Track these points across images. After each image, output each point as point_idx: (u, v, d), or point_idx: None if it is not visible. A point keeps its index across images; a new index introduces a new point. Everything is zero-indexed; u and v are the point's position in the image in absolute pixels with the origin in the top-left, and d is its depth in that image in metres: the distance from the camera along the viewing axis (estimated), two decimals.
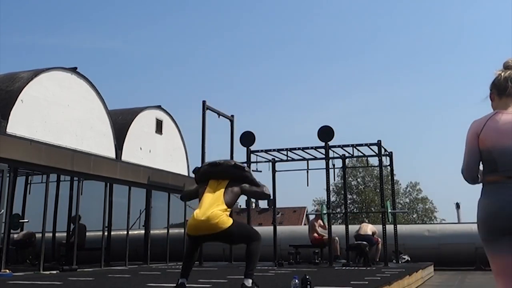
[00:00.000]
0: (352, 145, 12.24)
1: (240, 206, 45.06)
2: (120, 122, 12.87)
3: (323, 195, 40.00)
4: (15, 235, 11.68)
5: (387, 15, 68.51)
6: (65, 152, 10.35)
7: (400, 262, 12.57)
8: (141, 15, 69.97)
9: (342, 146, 12.36)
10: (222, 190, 4.90)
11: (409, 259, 13.12)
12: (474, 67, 70.39)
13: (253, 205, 47.79)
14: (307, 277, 5.15)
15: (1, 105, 9.57)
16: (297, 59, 70.14)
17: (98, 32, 72.05)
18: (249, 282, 4.68)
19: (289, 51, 71.37)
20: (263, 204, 49.51)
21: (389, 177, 13.68)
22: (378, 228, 11.98)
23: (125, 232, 12.15)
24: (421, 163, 67.36)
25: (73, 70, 11.24)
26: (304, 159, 12.87)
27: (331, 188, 12.03)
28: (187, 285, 4.80)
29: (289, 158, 12.92)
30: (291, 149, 12.61)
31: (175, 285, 4.78)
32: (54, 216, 11.79)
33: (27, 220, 11.48)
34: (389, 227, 12.01)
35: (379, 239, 11.71)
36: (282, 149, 12.68)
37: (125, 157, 12.44)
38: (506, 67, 2.65)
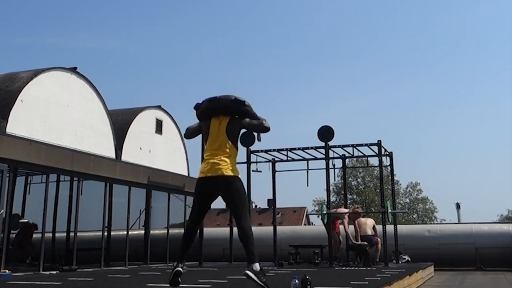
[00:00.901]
0: (352, 145, 12.23)
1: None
2: (120, 122, 12.87)
3: (323, 195, 40.03)
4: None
5: (388, 15, 68.55)
6: (65, 152, 10.34)
7: (400, 262, 12.56)
8: (141, 15, 70.01)
9: (342, 146, 12.35)
10: (225, 130, 4.84)
11: (409, 259, 13.11)
12: (475, 67, 70.44)
13: (253, 205, 47.80)
14: (307, 277, 5.14)
15: (1, 105, 9.56)
16: (297, 59, 70.18)
17: (98, 32, 72.08)
18: (256, 267, 4.39)
19: (289, 52, 71.40)
20: (263, 204, 49.51)
21: (389, 177, 13.67)
22: (378, 228, 11.96)
23: (125, 232, 12.14)
24: (421, 163, 67.44)
25: (73, 70, 11.23)
26: (304, 159, 12.86)
27: (331, 188, 12.02)
28: (187, 285, 4.76)
29: (289, 158, 12.91)
30: (291, 149, 12.60)
31: (171, 271, 4.60)
32: (54, 216, 11.78)
33: (26, 220, 11.46)
34: (389, 227, 12.00)
35: (379, 239, 11.70)
36: (282, 149, 12.68)
37: (125, 157, 12.44)
38: None
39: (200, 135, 5.21)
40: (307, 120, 66.61)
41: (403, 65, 71.27)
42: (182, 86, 75.30)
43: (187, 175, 14.97)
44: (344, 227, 11.57)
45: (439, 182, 69.87)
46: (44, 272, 9.31)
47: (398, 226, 12.88)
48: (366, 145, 11.98)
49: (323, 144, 11.88)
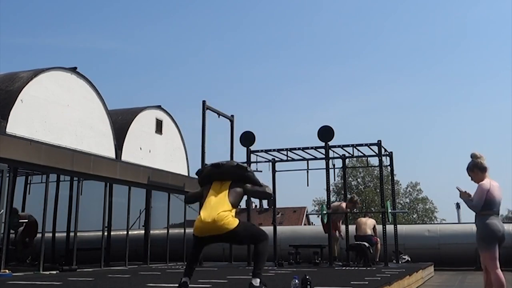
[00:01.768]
0: (352, 145, 12.22)
1: (240, 206, 45.09)
2: (120, 122, 12.87)
3: (323, 195, 40.03)
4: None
5: (388, 15, 68.55)
6: (65, 152, 10.34)
7: (400, 262, 12.56)
8: (141, 15, 70.01)
9: (342, 146, 12.35)
10: (226, 191, 4.90)
11: (409, 259, 13.10)
12: (475, 67, 70.44)
13: (253, 205, 47.78)
14: (307, 277, 5.14)
15: (1, 105, 9.56)
16: (297, 59, 70.18)
17: (98, 32, 72.08)
18: (257, 282, 4.68)
19: (290, 52, 71.40)
20: (263, 204, 49.51)
21: (389, 177, 13.67)
22: (378, 227, 11.96)
23: (125, 232, 12.15)
24: (421, 163, 67.45)
25: (73, 70, 11.23)
26: (304, 159, 12.86)
27: (331, 188, 12.02)
28: (189, 285, 4.80)
29: (289, 158, 12.90)
30: (291, 149, 12.60)
31: (177, 284, 4.78)
32: (54, 216, 11.78)
33: (27, 220, 11.46)
34: (389, 227, 11.99)
35: (378, 239, 11.70)
36: (282, 149, 12.67)
37: (125, 157, 12.44)
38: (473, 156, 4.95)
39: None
40: (307, 120, 66.66)
41: (403, 65, 71.32)
42: (182, 86, 75.35)
43: (187, 175, 14.97)
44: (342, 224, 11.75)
45: (439, 182, 69.90)
46: (44, 272, 9.31)
47: (398, 226, 12.87)
48: (366, 145, 11.98)
49: (323, 144, 11.88)
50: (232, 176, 5.03)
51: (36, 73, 10.23)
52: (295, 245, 12.60)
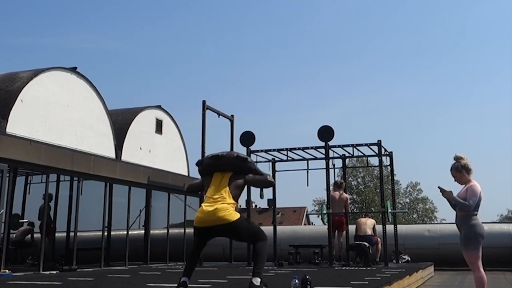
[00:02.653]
0: (352, 145, 12.22)
1: (240, 206, 45.13)
2: (120, 122, 12.86)
3: (323, 195, 39.95)
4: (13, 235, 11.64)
5: (388, 15, 68.55)
6: (65, 152, 10.34)
7: (400, 262, 12.55)
8: (141, 15, 70.01)
9: (342, 146, 12.34)
10: (227, 183, 4.90)
11: (409, 259, 13.10)
12: (475, 67, 70.46)
13: (253, 205, 47.77)
14: (307, 277, 5.14)
15: (1, 105, 9.56)
16: (297, 59, 70.19)
17: (98, 32, 72.09)
18: (257, 281, 4.66)
19: (290, 52, 71.41)
20: (263, 204, 49.44)
21: (389, 177, 13.66)
22: (378, 227, 11.96)
23: (125, 232, 12.15)
24: (421, 163, 67.44)
25: (73, 70, 11.23)
26: (304, 159, 12.85)
27: (331, 188, 12.01)
28: (188, 285, 4.80)
29: (289, 158, 12.90)
30: (291, 149, 12.59)
31: (176, 284, 4.77)
32: (54, 216, 11.78)
33: (26, 220, 11.46)
34: (389, 227, 11.99)
35: (379, 239, 11.70)
36: (282, 149, 12.67)
37: (125, 157, 12.43)
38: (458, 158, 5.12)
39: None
40: (307, 120, 66.66)
41: (403, 65, 71.33)
42: (182, 86, 75.36)
43: (187, 175, 14.97)
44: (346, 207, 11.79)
45: (439, 182, 69.79)
46: (44, 272, 9.31)
47: (398, 226, 12.87)
48: (366, 145, 11.97)
49: (323, 144, 11.87)
50: (232, 167, 4.99)
51: (36, 73, 10.23)
52: (295, 245, 12.60)
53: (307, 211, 47.71)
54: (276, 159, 13.22)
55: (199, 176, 5.28)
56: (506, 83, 71.70)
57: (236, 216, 4.75)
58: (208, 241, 5.02)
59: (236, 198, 4.88)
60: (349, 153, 13.01)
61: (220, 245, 14.64)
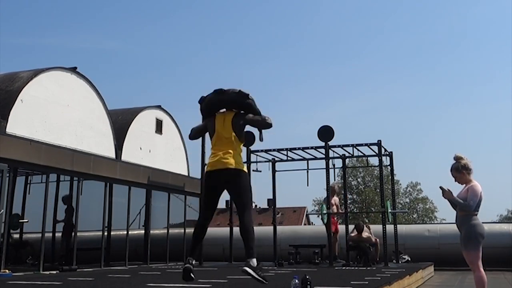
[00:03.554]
0: (352, 145, 12.22)
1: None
2: (120, 122, 12.86)
3: (323, 195, 39.91)
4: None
5: (388, 15, 68.55)
6: (65, 152, 10.34)
7: (400, 262, 12.56)
8: (141, 15, 70.00)
9: (342, 146, 12.34)
10: (231, 127, 4.89)
11: (409, 259, 13.10)
12: (475, 67, 70.46)
13: (253, 205, 47.73)
14: (307, 277, 5.14)
15: (1, 105, 9.55)
16: (297, 59, 70.18)
17: (98, 32, 72.08)
18: (254, 262, 4.49)
19: (290, 52, 71.40)
20: (263, 204, 49.49)
21: (389, 177, 13.66)
22: (377, 228, 11.95)
23: (125, 232, 12.14)
24: (421, 163, 67.44)
25: (73, 70, 11.23)
26: (304, 159, 12.86)
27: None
28: (187, 285, 4.77)
29: (289, 158, 12.90)
30: (291, 149, 12.59)
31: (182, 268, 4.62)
32: (54, 216, 11.76)
33: (26, 220, 11.45)
34: (389, 227, 12.00)
35: (377, 239, 11.72)
36: (282, 149, 12.67)
37: (125, 157, 12.43)
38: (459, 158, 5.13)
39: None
40: (307, 120, 66.66)
41: (403, 65, 71.33)
42: (182, 86, 75.35)
43: (187, 175, 14.97)
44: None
45: (439, 182, 69.77)
46: (44, 272, 9.32)
47: (398, 226, 12.87)
48: (366, 145, 11.97)
49: (323, 144, 11.88)
50: (234, 104, 4.95)
51: (36, 73, 10.23)
52: (295, 245, 12.60)
53: (307, 211, 47.68)
54: (276, 159, 13.22)
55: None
56: (506, 83, 71.73)
57: (244, 167, 4.85)
58: (217, 200, 4.91)
59: (241, 138, 4.95)
60: (349, 153, 13.01)
61: (220, 245, 14.67)
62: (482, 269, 4.80)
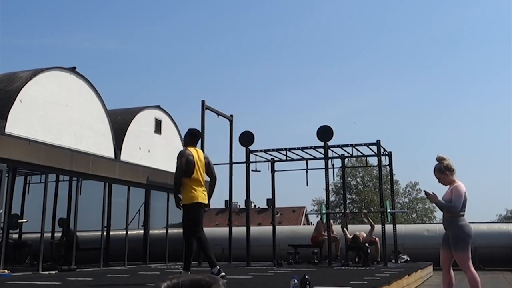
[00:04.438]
0: (351, 145, 12.23)
1: (239, 206, 45.17)
2: (119, 122, 12.85)
3: (322, 195, 40.00)
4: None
5: (387, 15, 68.56)
6: (64, 152, 10.33)
7: (399, 262, 12.56)
8: (140, 15, 69.98)
9: (341, 146, 12.35)
10: (204, 170, 6.41)
11: (408, 259, 13.11)
12: (474, 66, 70.50)
13: (253, 205, 47.77)
14: (306, 277, 5.14)
15: (0, 105, 9.54)
16: (296, 59, 70.19)
17: (98, 32, 72.06)
18: (215, 270, 5.77)
19: (289, 52, 71.41)
20: (262, 204, 49.51)
21: (389, 177, 13.68)
22: (377, 228, 11.95)
23: (124, 232, 12.13)
24: (421, 163, 67.47)
25: (72, 70, 11.21)
26: (303, 159, 12.86)
27: (330, 188, 12.04)
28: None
29: (288, 158, 12.91)
30: (290, 149, 12.60)
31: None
32: (53, 216, 11.75)
33: (26, 220, 11.44)
34: (388, 227, 12.00)
35: (377, 238, 11.71)
36: (281, 149, 12.67)
37: (124, 157, 12.42)
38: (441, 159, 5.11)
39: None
40: (306, 120, 66.66)
41: (403, 65, 71.34)
42: (181, 86, 75.34)
43: None
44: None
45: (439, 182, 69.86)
46: (43, 272, 9.31)
47: (397, 225, 12.88)
48: (365, 144, 11.98)
49: (322, 144, 11.88)
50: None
51: (35, 73, 10.21)
52: (294, 245, 12.61)
53: (306, 211, 47.71)
54: (275, 159, 13.22)
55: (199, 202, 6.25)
56: (506, 83, 71.79)
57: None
58: None
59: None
60: (348, 153, 13.02)
61: (219, 245, 14.66)
62: (473, 269, 4.81)
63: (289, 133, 64.56)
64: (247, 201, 13.11)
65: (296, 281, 4.91)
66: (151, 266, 12.08)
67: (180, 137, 15.20)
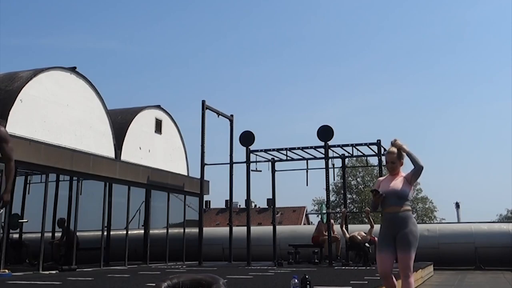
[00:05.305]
0: (352, 145, 12.23)
1: (239, 206, 45.18)
2: (120, 122, 12.85)
3: (322, 195, 39.97)
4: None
5: (387, 15, 68.56)
6: (64, 152, 10.33)
7: None
8: (140, 15, 69.99)
9: (341, 146, 12.35)
10: None
11: None
12: (474, 66, 70.47)
13: (253, 204, 47.76)
14: (307, 276, 5.14)
15: (0, 105, 9.55)
16: (297, 59, 70.18)
17: (98, 32, 72.07)
18: None
19: (289, 51, 71.41)
20: (262, 203, 49.52)
21: None
22: (377, 227, 11.94)
23: (125, 232, 12.13)
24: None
25: (73, 69, 11.22)
26: (303, 158, 12.86)
27: (330, 187, 12.03)
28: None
29: (288, 158, 12.91)
30: (290, 149, 12.60)
31: None
32: (54, 216, 11.75)
33: (26, 220, 11.44)
34: None
35: (377, 238, 11.71)
36: (282, 149, 12.67)
37: (124, 156, 12.42)
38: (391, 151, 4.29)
39: None
40: (306, 120, 66.66)
41: (403, 65, 71.33)
42: (181, 86, 75.36)
43: (186, 175, 14.96)
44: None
45: (439, 182, 69.92)
46: (43, 272, 9.31)
47: None
48: (365, 144, 11.98)
49: (322, 143, 11.88)
50: None
51: (35, 73, 10.22)
52: (294, 245, 12.60)
53: (306, 211, 47.69)
54: (276, 158, 13.22)
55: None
56: (506, 83, 71.74)
57: None
58: None
59: None
60: (348, 152, 13.01)
61: (219, 244, 14.67)
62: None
63: (290, 133, 64.61)
64: (248, 201, 13.12)
65: (296, 281, 4.91)
66: (152, 266, 12.07)
67: (181, 137, 15.21)
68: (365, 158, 13.99)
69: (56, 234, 12.13)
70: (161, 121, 14.20)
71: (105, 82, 71.40)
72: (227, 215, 13.80)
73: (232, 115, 13.81)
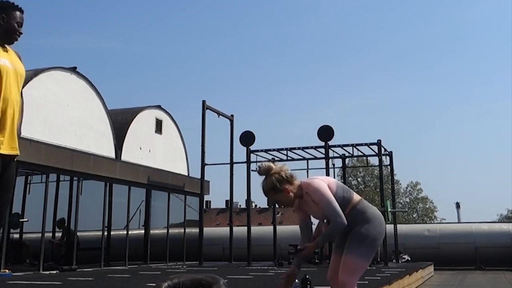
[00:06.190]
0: (352, 145, 12.23)
1: (240, 206, 45.18)
2: (120, 122, 12.85)
3: None
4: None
5: (388, 15, 68.56)
6: (65, 152, 10.33)
7: (400, 261, 12.56)
8: (140, 15, 70.02)
9: (342, 146, 12.35)
10: None
11: (409, 258, 13.10)
12: (475, 66, 70.46)
13: (253, 204, 47.73)
14: (307, 276, 5.14)
15: None
16: (297, 59, 70.19)
17: (98, 32, 72.10)
18: None
19: (290, 51, 71.40)
20: (263, 203, 49.47)
21: (389, 177, 13.68)
22: None
23: (125, 232, 12.13)
24: (421, 162, 67.43)
25: (73, 69, 11.22)
26: (304, 158, 12.86)
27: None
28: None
29: (289, 158, 12.91)
30: (291, 149, 12.60)
31: None
32: (54, 216, 11.76)
33: (26, 219, 11.45)
34: (389, 227, 12.00)
35: None
36: (282, 149, 12.67)
37: (124, 157, 12.43)
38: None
39: None
40: (307, 120, 66.65)
41: (403, 65, 71.31)
42: (182, 86, 75.38)
43: (187, 174, 14.96)
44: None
45: (439, 182, 69.91)
46: (44, 272, 9.31)
47: (398, 225, 12.88)
48: (366, 144, 11.98)
49: (323, 143, 11.88)
50: None
51: (36, 73, 10.22)
52: (295, 245, 12.59)
53: None
54: (276, 158, 13.21)
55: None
56: (506, 83, 71.70)
57: None
58: None
59: None
60: (349, 152, 13.01)
61: (220, 244, 14.67)
62: None
63: (290, 133, 64.59)
64: (248, 201, 13.12)
65: (296, 281, 4.90)
66: (152, 266, 12.07)
67: (181, 137, 15.21)
68: (366, 158, 14.00)
69: (56, 234, 12.15)
70: (161, 121, 14.20)
71: (105, 82, 71.47)
72: (227, 215, 13.80)
73: (232, 115, 13.81)
